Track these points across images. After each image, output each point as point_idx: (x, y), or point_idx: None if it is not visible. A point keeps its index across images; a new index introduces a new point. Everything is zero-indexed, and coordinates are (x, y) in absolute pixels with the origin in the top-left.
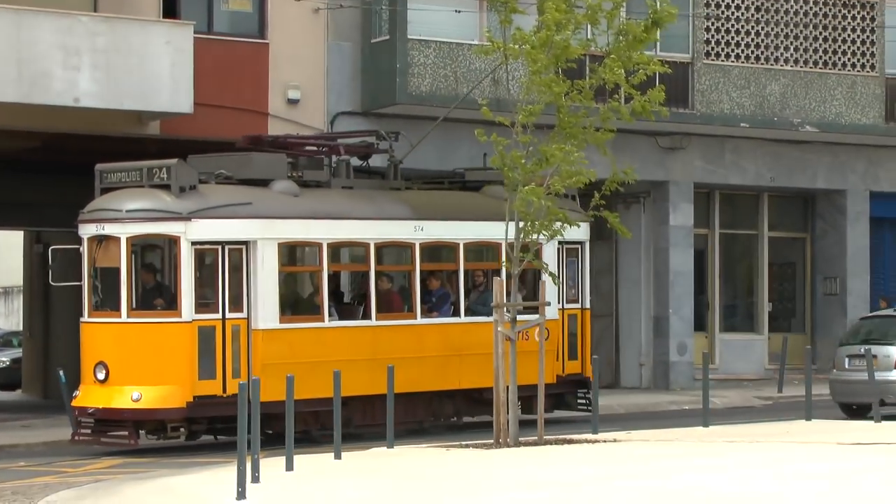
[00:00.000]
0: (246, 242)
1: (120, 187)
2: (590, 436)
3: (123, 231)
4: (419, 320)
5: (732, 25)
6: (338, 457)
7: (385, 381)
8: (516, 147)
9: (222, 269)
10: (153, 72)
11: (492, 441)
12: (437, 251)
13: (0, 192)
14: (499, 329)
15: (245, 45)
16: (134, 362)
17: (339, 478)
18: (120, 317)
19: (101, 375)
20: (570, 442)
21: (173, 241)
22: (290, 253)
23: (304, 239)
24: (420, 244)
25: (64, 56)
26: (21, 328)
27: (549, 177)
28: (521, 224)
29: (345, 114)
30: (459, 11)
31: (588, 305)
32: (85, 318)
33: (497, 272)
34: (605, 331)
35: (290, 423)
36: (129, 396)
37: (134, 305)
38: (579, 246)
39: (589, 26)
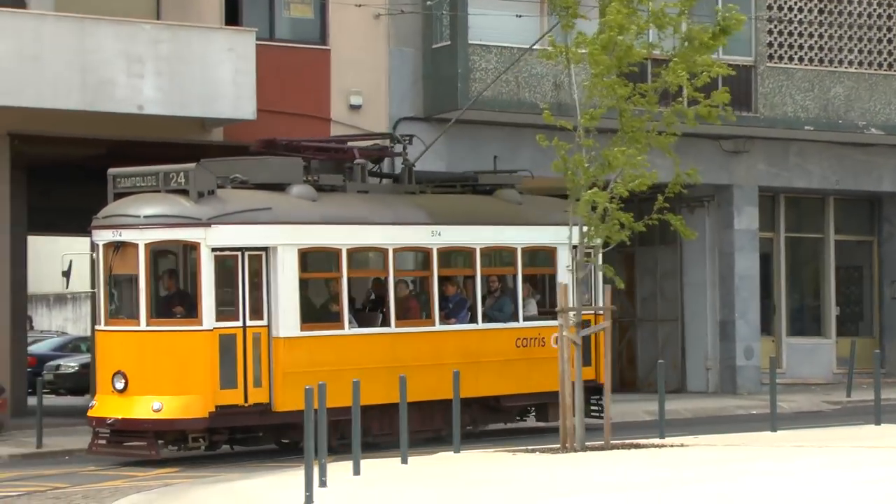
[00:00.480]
0: (266, 248)
1: (134, 192)
2: (657, 440)
3: (141, 237)
4: (437, 327)
5: (795, 28)
6: (404, 461)
7: (410, 389)
8: (578, 151)
9: (242, 275)
10: (216, 78)
11: (558, 445)
12: (453, 256)
13: (67, 199)
14: (564, 333)
15: (307, 51)
16: (154, 371)
17: (406, 482)
18: (139, 325)
19: (119, 385)
20: (637, 446)
21: (193, 248)
22: (310, 259)
23: (324, 245)
24: (437, 249)
25: (127, 63)
26: (89, 334)
27: (612, 180)
28: (585, 228)
29: (407, 119)
30: (520, 16)
31: (601, 311)
32: (101, 326)
33: (513, 277)
34: (671, 335)
35: (356, 427)
36: (149, 407)
37: (153, 313)
38: (591, 250)
39: (652, 30)
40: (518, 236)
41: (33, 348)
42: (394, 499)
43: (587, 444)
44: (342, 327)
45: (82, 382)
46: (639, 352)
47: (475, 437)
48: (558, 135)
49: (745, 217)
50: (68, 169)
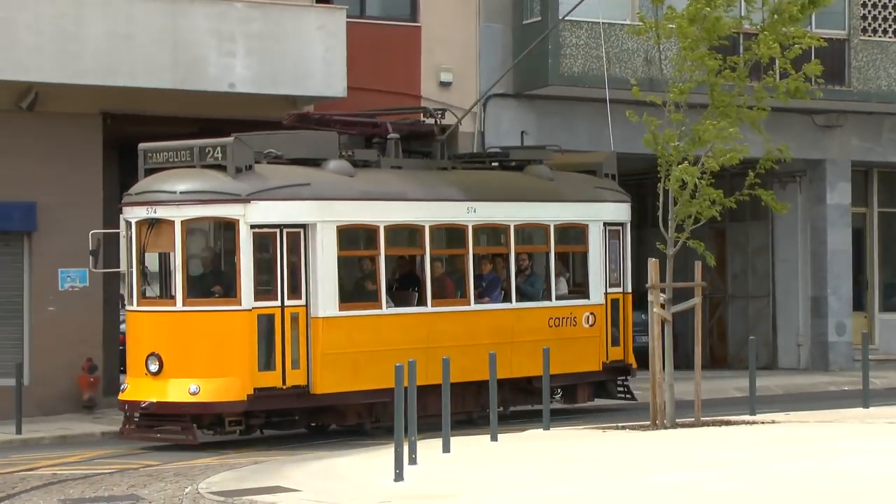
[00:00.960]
0: (304, 225)
1: (167, 168)
2: (747, 417)
3: (178, 214)
4: (472, 306)
5: (890, 1)
6: (494, 439)
7: (440, 371)
8: (668, 126)
9: (281, 253)
10: (306, 56)
11: (647, 423)
12: (487, 234)
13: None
14: (654, 311)
15: (397, 28)
16: (190, 353)
17: (495, 460)
18: (174, 305)
19: (153, 367)
20: (728, 423)
21: (231, 225)
22: (348, 236)
23: (362, 222)
24: (472, 226)
25: (218, 42)
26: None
27: (703, 155)
28: (676, 205)
29: (497, 96)
30: None
31: (630, 290)
32: (133, 306)
33: (545, 255)
34: (762, 311)
35: (446, 402)
36: (185, 389)
37: (189, 293)
38: (620, 227)
39: (742, 3)
40: (551, 213)
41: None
42: (484, 477)
43: (677, 420)
44: (380, 307)
45: None
46: (729, 328)
47: (505, 419)
48: (647, 110)
49: (837, 192)
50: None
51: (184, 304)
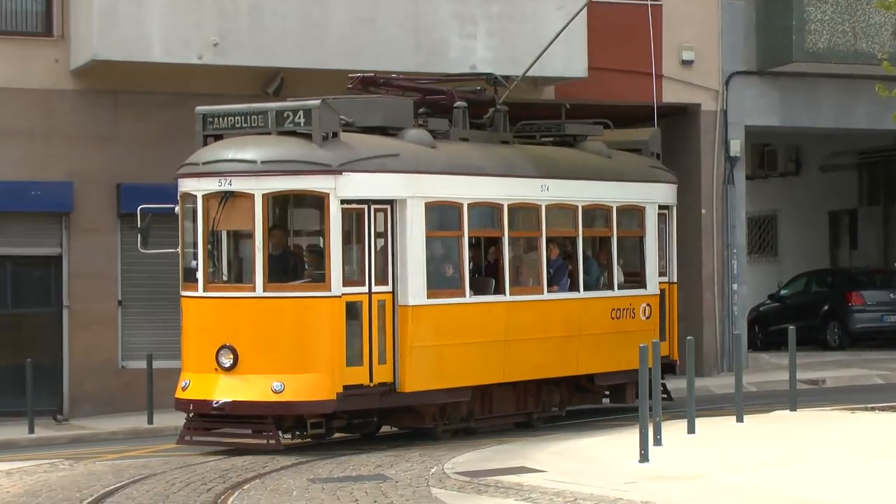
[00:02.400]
0: (392, 201)
1: (234, 134)
2: None
3: (259, 186)
4: (545, 296)
5: None
6: (740, 420)
7: (517, 366)
8: None
9: (368, 233)
10: (547, 37)
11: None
12: (558, 214)
13: None
14: None
15: (638, 7)
16: (271, 346)
17: (741, 441)
18: (253, 291)
19: (226, 362)
20: None
21: (320, 200)
22: (433, 214)
23: (448, 198)
24: (546, 206)
25: (460, 24)
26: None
27: None
28: None
29: (739, 73)
30: None
31: (675, 279)
32: (198, 292)
33: (608, 240)
34: None
35: (691, 381)
36: (268, 387)
37: (271, 277)
38: (667, 211)
39: None
40: (614, 193)
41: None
42: (730, 458)
43: None
44: (463, 295)
45: None
46: None
47: (556, 420)
48: None
49: None
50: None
51: (265, 290)
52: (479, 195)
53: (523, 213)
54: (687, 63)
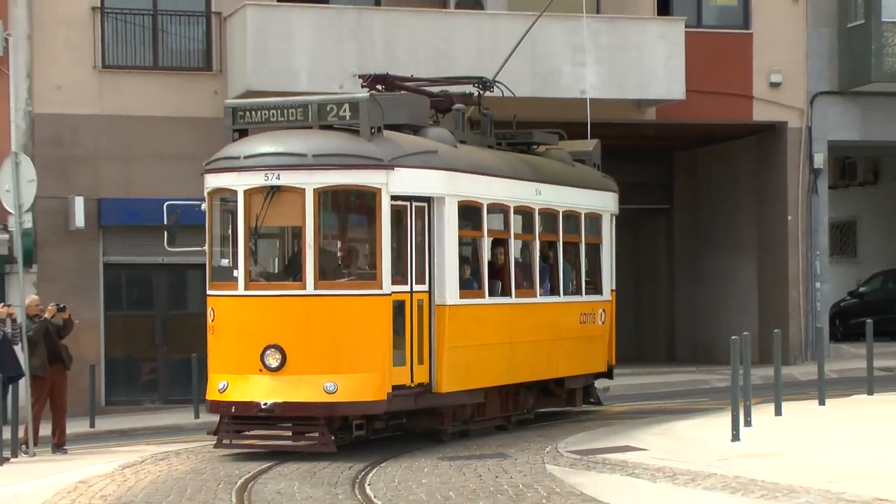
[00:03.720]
0: (429, 199)
1: (267, 128)
2: None
3: (310, 181)
4: (538, 299)
5: None
6: (822, 403)
7: (518, 369)
8: None
9: (410, 230)
10: (649, 64)
11: None
12: (546, 219)
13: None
14: None
15: (731, 35)
16: (322, 345)
17: (823, 422)
18: (304, 289)
19: (273, 362)
20: None
21: (371, 195)
22: (463, 214)
23: (473, 198)
24: (539, 210)
25: (571, 53)
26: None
27: None
28: None
29: (823, 93)
30: None
31: (614, 287)
32: (239, 291)
33: (576, 245)
34: None
35: (778, 369)
36: (320, 387)
37: (321, 275)
38: (612, 219)
39: None
40: (581, 200)
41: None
42: (813, 437)
43: None
44: (483, 296)
45: None
46: None
47: (526, 422)
48: None
49: None
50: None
51: (316, 288)
52: (494, 196)
53: (522, 215)
54: (775, 85)
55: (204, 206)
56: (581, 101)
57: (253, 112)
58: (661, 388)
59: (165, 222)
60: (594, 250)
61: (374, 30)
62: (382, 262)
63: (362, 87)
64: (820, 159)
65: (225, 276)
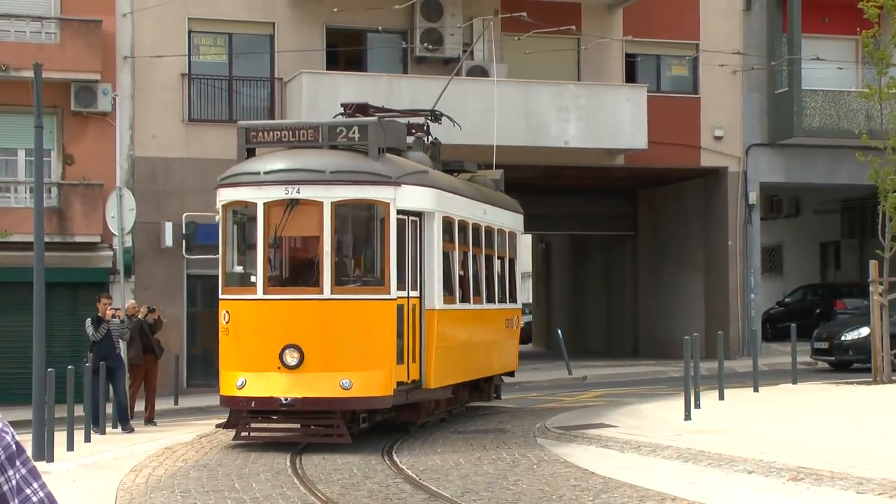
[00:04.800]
0: (421, 213)
1: (276, 148)
2: None
3: (328, 195)
4: (484, 305)
5: None
6: (756, 390)
7: (473, 367)
8: (887, 164)
9: (407, 241)
10: (619, 120)
11: (870, 379)
12: (489, 235)
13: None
14: (874, 298)
15: (683, 98)
16: (337, 345)
17: (757, 405)
18: (321, 293)
19: (292, 361)
20: None
21: (379, 209)
22: (444, 228)
23: (450, 214)
24: (484, 227)
25: (557, 112)
26: (530, 301)
27: None
28: (891, 221)
29: (755, 145)
30: (841, 68)
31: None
32: (258, 295)
33: (503, 259)
34: None
35: (721, 362)
36: (336, 384)
37: (336, 280)
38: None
39: None
40: (506, 220)
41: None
42: (749, 417)
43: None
44: (456, 301)
45: (525, 335)
46: None
47: (460, 415)
48: (870, 153)
49: None
50: (516, 187)
51: (332, 292)
52: (461, 214)
53: (475, 231)
54: (718, 138)
55: (217, 217)
56: (564, 149)
57: (265, 133)
58: (627, 377)
59: (184, 232)
60: (512, 264)
61: (402, 92)
62: (390, 269)
63: (345, 114)
64: (753, 197)
65: (238, 281)
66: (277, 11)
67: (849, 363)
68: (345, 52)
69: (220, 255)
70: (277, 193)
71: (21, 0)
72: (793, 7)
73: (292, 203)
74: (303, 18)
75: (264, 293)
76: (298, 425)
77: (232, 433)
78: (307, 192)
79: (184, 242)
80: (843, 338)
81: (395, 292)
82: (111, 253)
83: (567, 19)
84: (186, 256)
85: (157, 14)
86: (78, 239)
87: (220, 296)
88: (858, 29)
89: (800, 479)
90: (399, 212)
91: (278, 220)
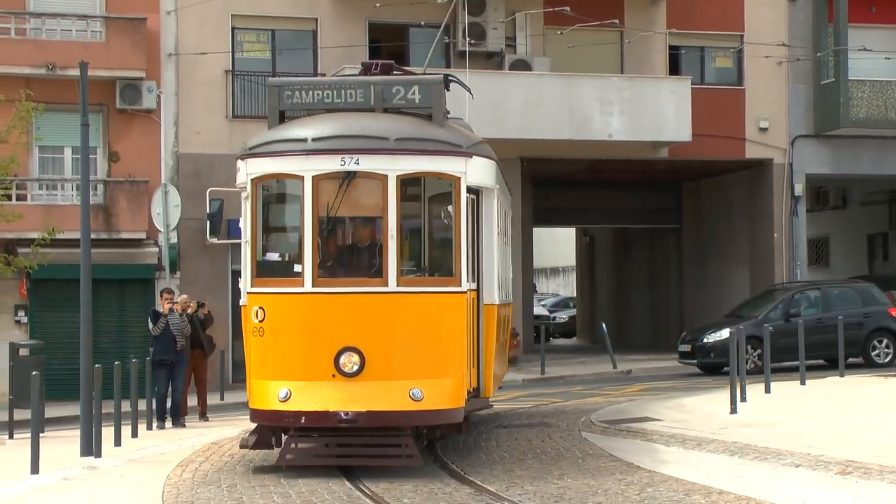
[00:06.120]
0: (478, 191)
1: (316, 111)
2: None
3: (393, 167)
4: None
5: None
6: (803, 383)
7: (501, 366)
8: None
9: (469, 224)
10: (663, 113)
11: None
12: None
13: (560, 201)
14: None
15: (728, 90)
16: (403, 347)
17: (805, 398)
18: (385, 285)
19: (351, 367)
20: None
21: (448, 184)
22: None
23: (500, 193)
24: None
25: (600, 105)
26: (574, 295)
27: None
28: None
29: (801, 136)
30: (888, 58)
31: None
32: (305, 287)
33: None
34: None
35: (766, 351)
36: (405, 394)
37: (403, 270)
38: None
39: None
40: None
41: (537, 307)
42: (797, 410)
43: None
44: (500, 295)
45: (570, 329)
46: None
47: None
48: None
49: None
50: (559, 180)
51: (398, 284)
52: (503, 190)
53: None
54: (763, 129)
55: (245, 193)
56: (608, 142)
57: (303, 91)
58: (672, 371)
59: (208, 211)
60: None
61: None
62: (461, 256)
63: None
64: (799, 188)
65: (273, 271)
66: (320, 7)
67: (713, 366)
68: (387, 47)
69: (248, 240)
70: (330, 165)
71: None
72: None
73: (348, 176)
74: (345, 14)
75: (314, 285)
76: (364, 443)
77: (257, 453)
78: (368, 164)
79: (208, 224)
80: (704, 340)
81: (465, 284)
82: (156, 249)
83: (610, 13)
84: (210, 241)
85: (200, 11)
86: (124, 235)
87: (249, 289)
88: None
89: (848, 472)
90: (469, 189)
91: (331, 198)
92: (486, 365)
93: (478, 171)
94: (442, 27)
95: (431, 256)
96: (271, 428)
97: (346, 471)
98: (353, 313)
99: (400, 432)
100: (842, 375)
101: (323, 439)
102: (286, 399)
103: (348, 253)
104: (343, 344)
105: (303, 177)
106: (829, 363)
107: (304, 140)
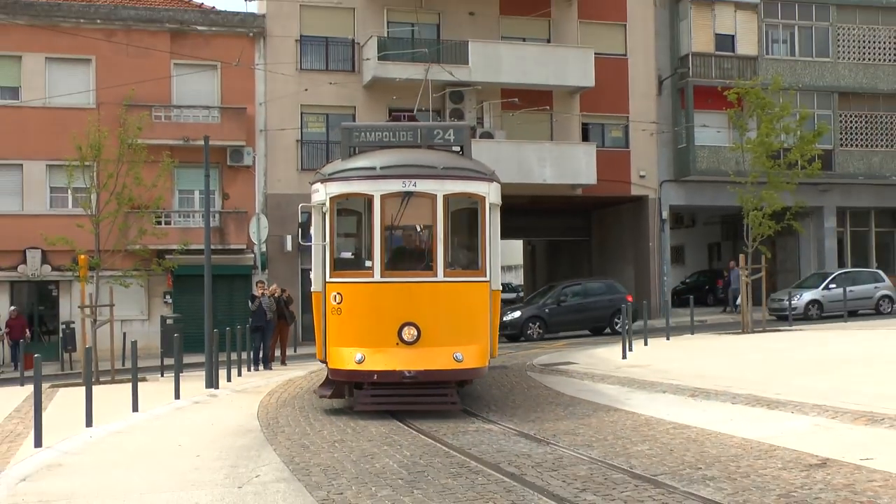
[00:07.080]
0: (492, 206)
1: (375, 147)
2: (786, 326)
3: (440, 188)
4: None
5: (858, 128)
6: (668, 339)
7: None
8: (748, 193)
9: (484, 230)
10: (578, 165)
11: (740, 330)
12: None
13: (512, 222)
14: (743, 278)
15: (619, 151)
16: (448, 322)
17: (669, 349)
18: (435, 276)
19: (410, 337)
20: (777, 330)
21: (480, 201)
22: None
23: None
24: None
25: (538, 160)
26: (522, 283)
27: (765, 205)
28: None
29: (666, 181)
30: (719, 132)
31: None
32: (375, 278)
33: None
34: (790, 279)
35: (646, 321)
36: (450, 357)
37: (447, 265)
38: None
39: (783, 135)
40: None
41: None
42: (664, 357)
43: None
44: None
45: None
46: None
47: None
48: (738, 186)
49: (829, 222)
50: (511, 209)
51: (444, 275)
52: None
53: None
54: (642, 177)
55: (324, 207)
56: (543, 184)
57: (367, 133)
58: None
59: (300, 221)
60: None
61: None
62: (487, 255)
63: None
64: (665, 214)
65: (348, 266)
66: (357, 99)
67: (510, 336)
68: None
69: (326, 243)
70: (394, 186)
71: (196, 95)
72: (688, 93)
73: (408, 195)
74: (374, 103)
75: (381, 276)
76: (420, 394)
77: (315, 386)
78: (423, 186)
79: (299, 231)
80: (503, 318)
81: (488, 275)
82: (252, 255)
83: (544, 101)
84: (302, 244)
85: (280, 103)
86: (232, 247)
87: (329, 279)
88: (724, 108)
89: (696, 395)
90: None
91: (394, 211)
92: (494, 333)
93: (494, 192)
94: (431, 111)
95: (466, 255)
96: (345, 383)
97: (394, 415)
98: (410, 297)
99: (446, 385)
100: (692, 333)
101: (387, 389)
102: (361, 361)
103: (406, 252)
104: (404, 320)
105: (373, 195)
106: (592, 331)
107: (374, 168)
